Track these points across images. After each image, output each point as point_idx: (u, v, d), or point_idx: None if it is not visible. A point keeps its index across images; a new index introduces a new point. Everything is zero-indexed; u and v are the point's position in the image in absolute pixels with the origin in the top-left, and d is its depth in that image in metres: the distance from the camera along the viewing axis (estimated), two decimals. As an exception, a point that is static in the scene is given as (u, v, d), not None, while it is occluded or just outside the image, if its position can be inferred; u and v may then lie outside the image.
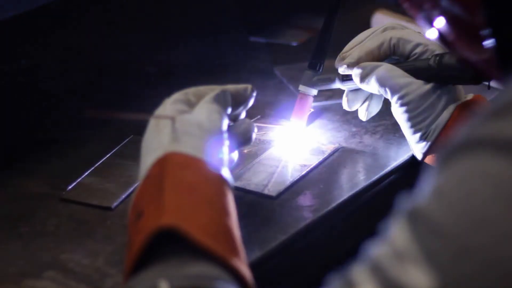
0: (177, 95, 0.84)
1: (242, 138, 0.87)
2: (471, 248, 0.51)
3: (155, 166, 0.76)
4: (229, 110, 0.86)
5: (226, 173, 0.78)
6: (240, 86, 0.89)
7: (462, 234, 0.52)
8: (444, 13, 0.67)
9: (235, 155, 0.88)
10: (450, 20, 0.66)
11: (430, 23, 0.68)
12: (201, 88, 0.85)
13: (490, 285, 0.51)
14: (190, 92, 0.85)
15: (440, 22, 0.67)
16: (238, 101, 0.88)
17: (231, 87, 0.87)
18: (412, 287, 0.53)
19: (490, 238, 0.51)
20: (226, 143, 0.82)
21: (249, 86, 0.90)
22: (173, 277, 0.67)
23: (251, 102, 0.90)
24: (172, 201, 0.72)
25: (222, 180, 0.76)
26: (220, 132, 0.81)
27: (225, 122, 0.83)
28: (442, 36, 0.68)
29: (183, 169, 0.75)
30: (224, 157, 0.80)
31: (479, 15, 0.63)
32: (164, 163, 0.76)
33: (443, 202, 0.54)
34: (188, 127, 0.79)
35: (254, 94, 0.90)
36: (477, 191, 0.52)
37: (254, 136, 0.89)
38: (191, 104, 0.83)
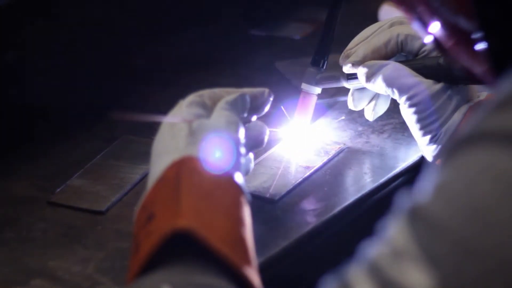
0: (192, 97, 0.86)
1: (254, 141, 0.88)
2: (472, 245, 0.52)
3: (170, 168, 0.77)
4: (245, 114, 0.88)
5: (241, 180, 0.79)
6: (256, 90, 0.90)
7: (462, 230, 0.53)
8: (437, 17, 0.68)
9: (251, 163, 0.89)
10: (443, 24, 0.68)
11: (425, 27, 0.69)
12: (216, 91, 0.87)
13: (492, 281, 0.51)
14: (205, 94, 0.86)
15: (435, 26, 0.68)
16: (254, 106, 0.89)
17: (247, 90, 0.88)
18: (411, 287, 0.53)
19: (491, 232, 0.52)
20: (243, 151, 0.83)
21: (266, 90, 0.91)
22: (177, 284, 0.67)
23: (267, 108, 0.91)
24: (189, 205, 0.73)
25: (238, 190, 0.78)
26: (237, 141, 0.82)
27: (242, 131, 0.84)
28: (436, 41, 0.69)
29: (200, 174, 0.76)
30: (241, 167, 0.81)
31: (472, 18, 0.64)
32: (180, 166, 0.77)
33: (443, 197, 0.54)
34: (205, 133, 0.80)
35: (271, 98, 0.91)
36: (479, 185, 0.53)
37: (266, 139, 0.90)
38: (206, 108, 0.85)
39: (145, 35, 1.50)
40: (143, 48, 1.48)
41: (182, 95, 0.86)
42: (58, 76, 1.35)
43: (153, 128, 0.85)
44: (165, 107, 0.86)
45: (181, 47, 1.50)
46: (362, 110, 1.10)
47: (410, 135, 1.07)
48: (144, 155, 1.08)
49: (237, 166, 0.80)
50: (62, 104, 1.28)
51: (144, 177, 1.04)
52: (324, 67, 1.08)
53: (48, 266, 0.89)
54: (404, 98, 1.00)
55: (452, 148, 0.56)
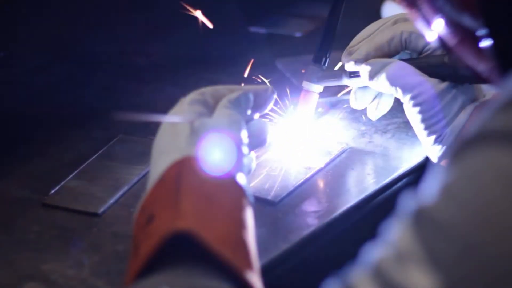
0: (194, 95, 0.85)
1: (256, 140, 0.88)
2: (477, 247, 0.52)
3: (171, 168, 0.77)
4: (249, 112, 0.87)
5: (243, 181, 0.79)
6: (260, 87, 0.90)
7: (469, 231, 0.53)
8: (441, 15, 0.68)
9: (253, 163, 0.89)
10: (447, 22, 0.68)
11: (429, 25, 0.69)
12: (219, 88, 0.86)
13: (498, 284, 0.51)
14: (207, 92, 0.86)
15: (439, 24, 0.68)
16: (256, 103, 0.89)
17: (250, 88, 0.88)
18: None
19: (497, 235, 0.52)
20: (245, 151, 0.83)
21: (269, 87, 0.90)
22: (176, 286, 0.68)
23: (270, 105, 0.91)
24: (189, 206, 0.73)
25: (241, 191, 0.78)
26: (240, 141, 0.82)
27: (244, 131, 0.84)
28: (440, 39, 0.69)
29: (201, 175, 0.76)
30: (243, 168, 0.81)
31: (477, 15, 0.64)
32: (181, 166, 0.77)
33: (449, 198, 0.54)
34: (207, 133, 0.80)
35: (274, 96, 0.91)
36: (485, 185, 0.53)
37: (268, 137, 0.90)
38: (208, 106, 0.84)
39: (143, 33, 1.50)
40: (141, 46, 1.48)
41: (181, 93, 0.86)
42: (53, 76, 1.35)
43: (150, 128, 0.85)
44: (163, 106, 0.86)
45: (180, 45, 1.50)
46: (365, 109, 1.10)
47: (414, 135, 1.07)
48: (141, 155, 1.08)
49: (239, 167, 0.80)
50: (57, 104, 1.28)
51: (141, 178, 1.04)
52: (326, 65, 1.08)
53: (42, 270, 0.88)
54: (408, 97, 1.00)
55: (457, 149, 0.56)
